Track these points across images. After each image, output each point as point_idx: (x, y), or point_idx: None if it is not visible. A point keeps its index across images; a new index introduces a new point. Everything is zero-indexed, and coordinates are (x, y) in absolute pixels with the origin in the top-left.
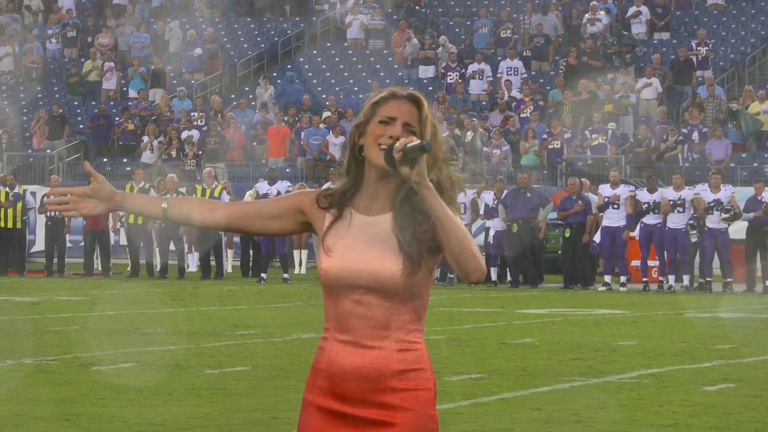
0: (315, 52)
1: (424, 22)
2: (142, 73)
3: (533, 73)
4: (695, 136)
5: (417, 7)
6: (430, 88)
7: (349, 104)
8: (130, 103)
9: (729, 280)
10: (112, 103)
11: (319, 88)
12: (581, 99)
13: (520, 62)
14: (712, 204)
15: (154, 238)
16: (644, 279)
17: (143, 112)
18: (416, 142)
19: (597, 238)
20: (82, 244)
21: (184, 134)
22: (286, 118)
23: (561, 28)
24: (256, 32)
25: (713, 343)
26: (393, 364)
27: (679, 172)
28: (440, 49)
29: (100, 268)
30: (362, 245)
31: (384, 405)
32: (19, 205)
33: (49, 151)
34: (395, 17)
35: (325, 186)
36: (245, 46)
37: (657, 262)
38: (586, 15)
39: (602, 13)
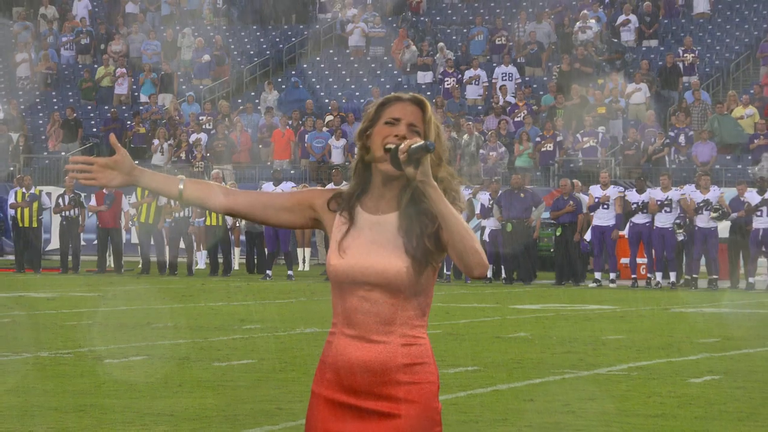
0: (318, 58)
1: (423, 30)
2: (153, 79)
3: (527, 78)
4: (682, 139)
5: (416, 16)
6: (428, 93)
7: (350, 108)
8: (141, 108)
9: (714, 277)
10: (123, 107)
11: (322, 93)
12: (573, 103)
13: (515, 68)
14: (701, 204)
15: (164, 236)
16: (633, 276)
17: (154, 116)
18: (420, 142)
19: (588, 236)
20: (96, 242)
21: (193, 137)
22: (290, 122)
23: (553, 36)
24: (262, 40)
25: (698, 337)
26: (398, 358)
27: (667, 173)
28: (438, 55)
29: (112, 266)
30: (369, 244)
31: (389, 397)
32: (35, 205)
33: (63, 153)
34: (395, 25)
35: (328, 186)
36: (251, 52)
37: (645, 260)
38: (578, 23)
39: (593, 21)
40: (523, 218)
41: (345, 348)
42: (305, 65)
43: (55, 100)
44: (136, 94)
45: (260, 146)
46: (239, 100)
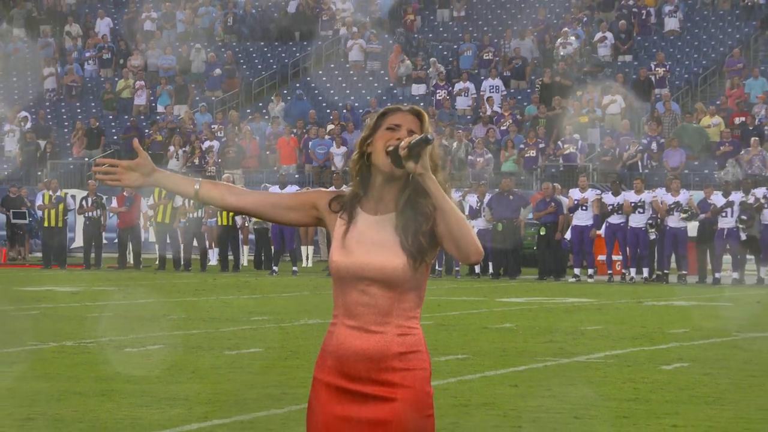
0: (320, 72)
1: (416, 46)
2: (169, 91)
3: (512, 90)
4: (654, 146)
5: (410, 33)
6: (422, 104)
7: (350, 118)
8: (158, 117)
9: (684, 272)
10: (142, 117)
11: (324, 104)
12: (554, 113)
13: (501, 81)
14: (672, 206)
15: (179, 235)
16: (609, 271)
17: (170, 125)
18: (419, 136)
19: (568, 235)
20: (116, 240)
21: (206, 144)
22: (294, 130)
23: (536, 52)
24: (269, 55)
25: (669, 327)
26: (394, 347)
27: (640, 177)
28: (430, 69)
29: (131, 262)
30: (369, 242)
31: (386, 383)
32: (61, 206)
33: (87, 159)
34: (390, 42)
35: (330, 189)
36: (259, 67)
37: (620, 257)
38: (559, 40)
39: (572, 38)
40: (512, 218)
41: (345, 337)
42: (308, 78)
43: (79, 110)
44: (154, 104)
45: (267, 152)
46: (248, 110)
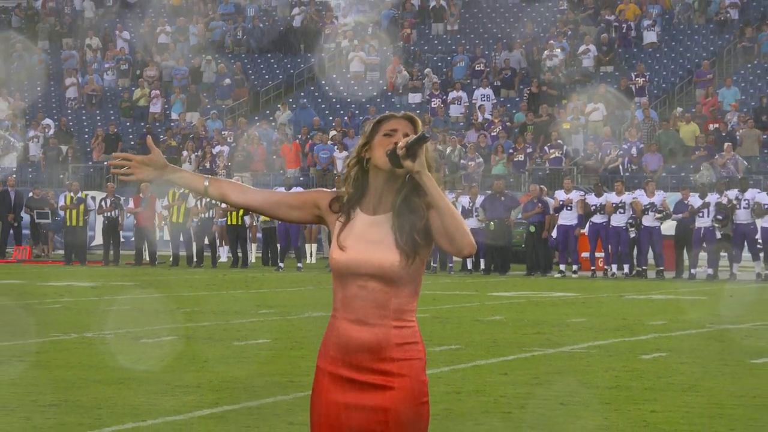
0: (323, 82)
1: (413, 58)
2: (182, 99)
3: (502, 99)
4: (633, 150)
5: (406, 46)
6: (418, 112)
7: (351, 125)
8: (172, 124)
9: (661, 268)
10: (157, 123)
11: (327, 112)
12: (541, 120)
13: (491, 90)
14: (647, 206)
15: (191, 234)
16: (592, 268)
17: (183, 131)
18: (416, 136)
19: (554, 234)
20: (133, 239)
21: (216, 149)
22: (299, 136)
23: (524, 63)
24: (275, 66)
25: (648, 320)
26: (392, 338)
27: (620, 180)
28: (426, 79)
29: (147, 259)
30: (367, 240)
31: (384, 372)
32: (82, 207)
33: (105, 163)
34: (389, 54)
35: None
36: (266, 77)
37: (602, 254)
38: (545, 52)
39: (558, 50)
40: (503, 218)
41: (346, 330)
42: (312, 88)
43: (98, 117)
44: (168, 112)
45: (274, 157)
46: (256, 118)
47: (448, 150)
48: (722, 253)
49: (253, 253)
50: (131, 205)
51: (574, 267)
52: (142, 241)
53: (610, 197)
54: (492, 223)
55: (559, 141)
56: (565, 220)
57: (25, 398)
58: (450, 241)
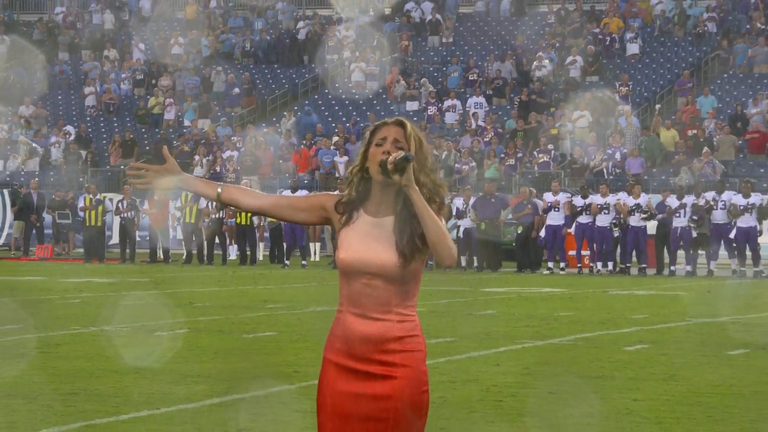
0: (326, 91)
1: (410, 68)
2: (194, 107)
3: (494, 107)
4: (617, 155)
5: (404, 57)
6: (415, 119)
7: (353, 131)
8: (184, 130)
9: (644, 266)
10: (171, 130)
11: (330, 119)
12: (531, 127)
13: (484, 99)
14: (633, 207)
15: (203, 233)
16: (579, 265)
17: (195, 137)
18: (402, 154)
19: (542, 233)
20: (148, 238)
21: (226, 154)
22: (303, 142)
23: (515, 73)
24: (282, 76)
25: (631, 313)
26: (394, 332)
27: (605, 183)
28: (422, 88)
29: (161, 257)
30: (370, 241)
31: (386, 363)
32: (100, 208)
33: (122, 167)
34: (388, 65)
35: (335, 193)
36: (273, 86)
37: (588, 252)
38: (534, 62)
39: (546, 61)
40: (493, 218)
41: (351, 324)
42: (316, 96)
43: (115, 124)
44: (181, 119)
45: (280, 161)
46: (263, 124)
47: (444, 154)
48: (700, 252)
49: (261, 251)
50: (146, 206)
51: (562, 264)
52: (156, 240)
53: (596, 199)
54: (483, 222)
55: (547, 146)
56: (553, 220)
57: (46, 387)
58: (434, 250)
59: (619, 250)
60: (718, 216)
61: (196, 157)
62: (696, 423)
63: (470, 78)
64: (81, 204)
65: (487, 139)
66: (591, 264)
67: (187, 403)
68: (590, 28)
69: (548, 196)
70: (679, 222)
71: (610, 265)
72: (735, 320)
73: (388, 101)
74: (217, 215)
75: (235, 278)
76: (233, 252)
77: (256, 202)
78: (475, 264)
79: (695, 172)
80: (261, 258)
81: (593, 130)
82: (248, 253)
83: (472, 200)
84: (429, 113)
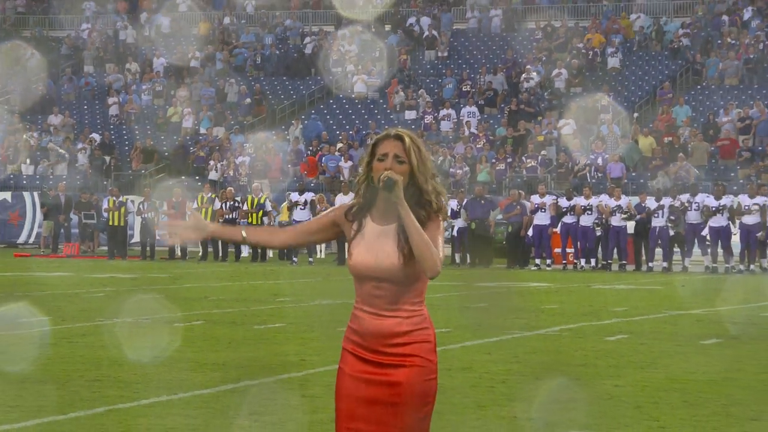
0: (331, 101)
1: (408, 80)
2: (210, 116)
3: (485, 116)
4: (599, 160)
5: (403, 70)
6: (413, 127)
7: (355, 138)
8: (200, 137)
9: (624, 262)
10: (188, 137)
11: (334, 127)
12: (519, 134)
13: (476, 108)
14: (614, 208)
15: None
16: (564, 261)
17: (210, 143)
18: (387, 179)
19: (530, 232)
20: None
21: (239, 159)
22: (310, 148)
23: (505, 84)
24: (290, 87)
25: (612, 306)
26: (404, 326)
27: (588, 186)
28: (420, 99)
29: (179, 254)
30: (377, 247)
31: (397, 354)
32: (123, 209)
33: (143, 171)
34: (388, 77)
35: (338, 197)
36: (282, 97)
37: (572, 250)
38: (523, 75)
39: (534, 73)
40: (483, 219)
41: (364, 320)
42: (322, 106)
43: (136, 132)
44: (197, 127)
45: (289, 166)
46: (273, 132)
47: (440, 160)
48: (676, 249)
49: (271, 249)
50: (165, 207)
51: (548, 261)
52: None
53: (579, 201)
54: (473, 222)
55: (537, 152)
56: (540, 220)
57: (73, 374)
58: (419, 260)
59: (600, 247)
60: (692, 217)
61: (211, 162)
62: (672, 407)
63: (464, 89)
64: (105, 205)
65: (480, 146)
66: (575, 261)
67: (203, 389)
68: (574, 43)
69: (535, 198)
70: (658, 222)
71: (593, 261)
72: (707, 312)
73: (388, 110)
74: (230, 216)
75: (247, 274)
76: (245, 250)
77: (278, 238)
78: (468, 260)
79: (671, 176)
80: (271, 255)
81: (577, 137)
82: (259, 251)
83: (465, 202)
84: (426, 121)
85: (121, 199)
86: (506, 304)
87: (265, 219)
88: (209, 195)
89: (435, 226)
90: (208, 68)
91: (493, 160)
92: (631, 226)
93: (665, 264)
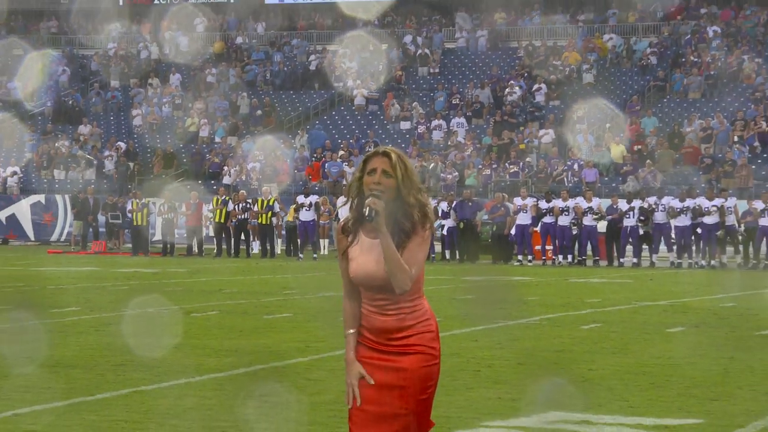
0: (334, 113)
1: (403, 94)
2: (224, 126)
3: (473, 126)
4: (576, 166)
5: (398, 84)
6: (407, 136)
7: (355, 146)
8: (215, 145)
9: (597, 258)
10: (204, 145)
11: (336, 136)
12: (503, 143)
13: (464, 119)
14: (587, 210)
15: (231, 232)
16: (543, 258)
17: (224, 151)
18: (369, 210)
19: (513, 231)
20: (185, 235)
21: (250, 165)
22: (314, 155)
23: (491, 98)
24: (296, 100)
25: (587, 298)
26: (407, 321)
27: (565, 189)
28: (413, 111)
29: (196, 251)
30: (372, 259)
31: (403, 344)
32: (145, 210)
33: (164, 176)
34: (385, 91)
35: (340, 198)
36: (289, 109)
37: (551, 247)
38: (507, 89)
39: (517, 88)
40: (470, 219)
41: (372, 317)
42: (325, 117)
43: (158, 140)
44: (213, 136)
45: (296, 171)
46: (281, 140)
47: (431, 166)
48: (644, 246)
49: (279, 246)
50: (183, 209)
51: (529, 257)
52: (192, 237)
53: (557, 203)
54: (461, 222)
55: (519, 159)
56: (522, 220)
57: (100, 359)
58: (390, 277)
59: (576, 245)
60: (659, 217)
61: (225, 168)
62: (641, 389)
63: (453, 102)
64: (129, 207)
65: (467, 153)
66: (553, 257)
67: (218, 372)
68: (553, 61)
69: (518, 200)
70: (629, 222)
71: (570, 257)
72: (673, 303)
73: (385, 121)
74: (242, 216)
75: (257, 269)
76: (256, 247)
77: (357, 300)
78: (457, 257)
79: (640, 181)
80: (279, 252)
81: (555, 145)
82: (268, 248)
83: (454, 204)
84: (419, 131)
85: (143, 201)
86: (491, 296)
87: (274, 219)
88: (223, 197)
89: (418, 239)
90: (223, 83)
91: (480, 166)
92: (602, 225)
93: (635, 260)
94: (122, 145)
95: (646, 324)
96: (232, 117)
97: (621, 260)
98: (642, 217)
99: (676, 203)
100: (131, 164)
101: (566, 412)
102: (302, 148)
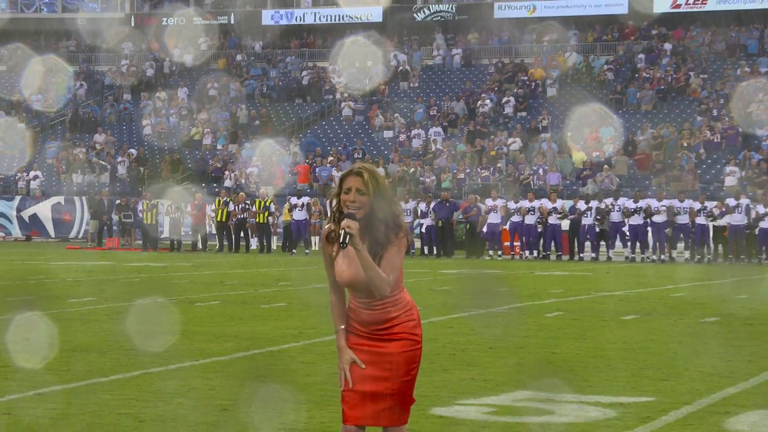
0: (324, 122)
1: (386, 105)
2: (225, 135)
3: (449, 135)
4: (540, 171)
5: (382, 97)
6: (390, 144)
7: (343, 153)
8: (217, 152)
9: (560, 253)
10: (207, 152)
11: (326, 144)
12: (476, 150)
13: (441, 129)
14: (551, 210)
15: (232, 229)
16: (512, 253)
17: (225, 157)
18: (344, 236)
19: (485, 229)
20: (190, 233)
21: (249, 170)
22: (307, 160)
23: (465, 109)
24: (290, 111)
25: (551, 288)
26: (392, 313)
27: (532, 191)
28: (395, 121)
29: (200, 247)
30: (355, 266)
31: (388, 333)
32: (154, 210)
33: (171, 179)
34: (369, 103)
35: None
36: (283, 119)
37: (519, 243)
38: (479, 101)
39: (488, 100)
40: (447, 218)
41: (359, 311)
42: (316, 126)
43: (165, 147)
44: (215, 144)
45: (289, 175)
46: (276, 148)
47: (412, 170)
48: (601, 243)
49: (275, 243)
50: (189, 209)
51: (499, 252)
52: (196, 234)
53: (524, 203)
54: (440, 221)
55: (490, 164)
56: (493, 219)
57: (114, 345)
58: (370, 285)
59: (541, 241)
60: (615, 216)
61: (226, 172)
62: (599, 370)
63: (431, 113)
64: (140, 207)
65: (444, 159)
66: (521, 252)
67: (219, 356)
68: (520, 76)
69: (489, 202)
70: (587, 220)
71: (535, 253)
72: (627, 294)
73: (370, 131)
74: (242, 216)
75: (255, 263)
76: (254, 243)
77: (343, 299)
78: (435, 252)
79: (598, 184)
80: (275, 248)
81: (523, 152)
82: (265, 244)
83: (432, 204)
84: (400, 139)
85: (153, 202)
86: (465, 288)
87: (270, 218)
88: (224, 198)
89: (394, 248)
90: (224, 96)
91: (455, 171)
92: (566, 224)
93: (593, 255)
94: (133, 151)
95: (604, 312)
96: (233, 126)
97: (581, 255)
98: (599, 216)
99: (630, 204)
100: (142, 169)
101: (532, 391)
102: (296, 155)
